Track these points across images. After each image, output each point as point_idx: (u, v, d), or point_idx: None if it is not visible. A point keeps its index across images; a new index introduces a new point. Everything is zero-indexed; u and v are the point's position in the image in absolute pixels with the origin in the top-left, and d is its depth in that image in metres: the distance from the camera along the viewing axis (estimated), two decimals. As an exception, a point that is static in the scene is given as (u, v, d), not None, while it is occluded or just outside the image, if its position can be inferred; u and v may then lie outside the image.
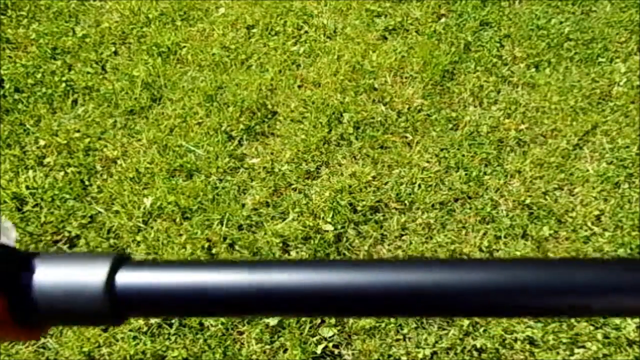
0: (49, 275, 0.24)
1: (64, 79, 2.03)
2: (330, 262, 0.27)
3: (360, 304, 0.25)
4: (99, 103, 1.96)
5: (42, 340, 1.38)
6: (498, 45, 2.13)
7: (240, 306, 0.25)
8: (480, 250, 1.59)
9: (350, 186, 1.71)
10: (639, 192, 1.72)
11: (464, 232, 1.64)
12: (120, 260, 0.25)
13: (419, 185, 1.73)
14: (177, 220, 1.64)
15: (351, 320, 1.45)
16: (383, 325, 1.44)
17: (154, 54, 2.12)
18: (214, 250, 1.58)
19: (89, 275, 0.24)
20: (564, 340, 1.42)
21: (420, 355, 1.41)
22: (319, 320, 1.45)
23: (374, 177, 1.75)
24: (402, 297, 0.24)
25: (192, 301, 0.24)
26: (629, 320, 1.44)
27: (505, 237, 1.62)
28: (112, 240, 1.61)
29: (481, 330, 1.44)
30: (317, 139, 1.83)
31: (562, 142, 1.83)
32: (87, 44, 2.16)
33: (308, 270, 0.25)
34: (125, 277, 0.24)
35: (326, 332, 1.44)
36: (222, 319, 1.45)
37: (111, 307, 0.24)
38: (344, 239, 1.61)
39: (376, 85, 2.00)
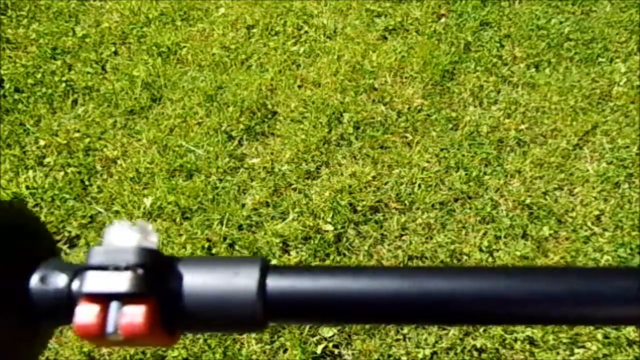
0: (196, 280, 0.24)
1: (64, 79, 2.03)
2: (487, 269, 0.26)
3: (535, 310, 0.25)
4: (99, 103, 1.96)
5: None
6: (498, 45, 2.13)
7: (390, 314, 0.25)
8: (481, 250, 1.59)
9: (350, 186, 1.71)
10: (639, 192, 1.72)
11: (464, 232, 1.64)
12: (266, 265, 0.24)
13: (419, 185, 1.73)
14: (177, 220, 1.64)
15: (351, 320, 1.44)
16: (383, 325, 1.45)
17: (154, 54, 2.12)
18: (214, 250, 1.58)
19: (240, 280, 0.24)
20: (564, 340, 1.42)
21: (420, 355, 1.41)
22: (319, 320, 1.45)
23: (374, 177, 1.75)
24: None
25: (342, 308, 0.24)
26: (629, 320, 1.44)
27: (505, 237, 1.62)
28: (112, 240, 1.61)
29: (481, 330, 1.44)
30: (317, 139, 1.83)
31: (562, 142, 1.83)
32: (87, 44, 2.16)
33: (461, 278, 0.25)
34: (275, 283, 0.24)
35: (326, 332, 1.44)
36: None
37: (262, 313, 0.24)
38: (344, 239, 1.61)
39: (376, 85, 2.00)
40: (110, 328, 0.22)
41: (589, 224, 1.65)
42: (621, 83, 2.00)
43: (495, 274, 0.26)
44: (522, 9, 2.26)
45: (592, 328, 1.43)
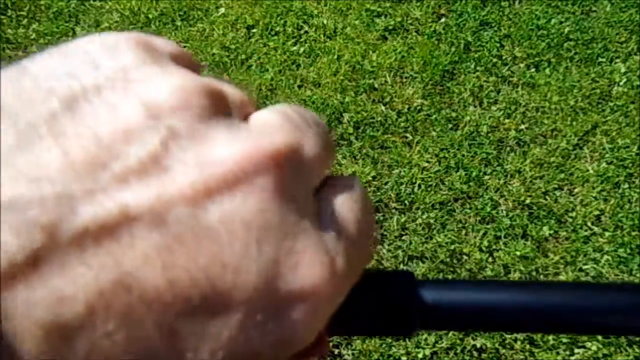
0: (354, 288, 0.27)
1: (64, 79, 2.03)
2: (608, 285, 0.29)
3: None
4: (99, 103, 1.96)
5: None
6: (498, 45, 2.13)
7: (525, 323, 0.28)
8: (481, 250, 1.59)
9: (350, 186, 1.71)
10: (639, 192, 1.72)
11: (464, 232, 1.64)
12: (413, 278, 0.27)
13: (419, 185, 1.73)
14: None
15: (351, 320, 1.45)
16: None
17: (154, 54, 2.12)
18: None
19: (393, 290, 0.26)
20: (564, 340, 1.42)
21: (420, 355, 1.41)
22: (319, 320, 1.45)
23: (374, 177, 1.75)
24: None
25: (485, 318, 0.27)
26: (629, 320, 1.44)
27: (505, 237, 1.62)
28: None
29: (481, 330, 1.44)
30: (317, 139, 1.83)
31: (562, 142, 1.83)
32: (87, 44, 2.16)
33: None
34: (425, 293, 0.27)
35: (326, 332, 1.44)
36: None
37: (414, 320, 0.26)
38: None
39: (376, 85, 2.00)
40: None
41: (589, 224, 1.65)
42: (621, 83, 2.00)
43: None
44: (522, 9, 2.26)
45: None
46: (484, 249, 1.59)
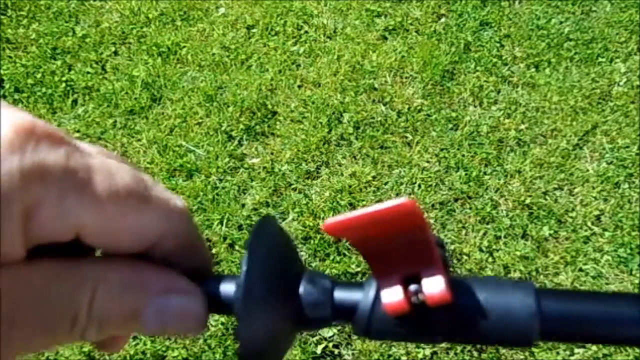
0: (479, 295, 0.26)
1: (64, 79, 2.03)
2: None
3: None
4: (99, 103, 1.96)
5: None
6: (498, 45, 2.13)
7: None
8: (481, 250, 1.59)
9: (350, 186, 1.71)
10: (639, 192, 1.72)
11: (464, 232, 1.64)
12: (534, 287, 0.27)
13: (419, 185, 1.73)
14: (177, 220, 1.64)
15: (351, 320, 1.45)
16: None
17: (154, 54, 2.12)
18: (214, 250, 1.58)
19: (519, 299, 0.26)
20: (564, 340, 1.42)
21: (420, 355, 1.41)
22: (319, 320, 1.45)
23: (374, 177, 1.75)
24: None
25: (607, 330, 0.26)
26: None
27: (505, 237, 1.62)
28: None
29: (481, 330, 1.44)
30: (317, 139, 1.83)
31: (562, 142, 1.83)
32: (87, 44, 2.16)
33: None
34: (548, 305, 0.26)
35: (326, 332, 1.44)
36: (222, 319, 1.45)
37: (535, 331, 0.26)
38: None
39: (376, 85, 2.00)
40: (415, 299, 0.25)
41: (589, 224, 1.65)
42: (621, 83, 2.00)
43: None
44: (522, 9, 2.26)
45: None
46: (484, 249, 1.59)
